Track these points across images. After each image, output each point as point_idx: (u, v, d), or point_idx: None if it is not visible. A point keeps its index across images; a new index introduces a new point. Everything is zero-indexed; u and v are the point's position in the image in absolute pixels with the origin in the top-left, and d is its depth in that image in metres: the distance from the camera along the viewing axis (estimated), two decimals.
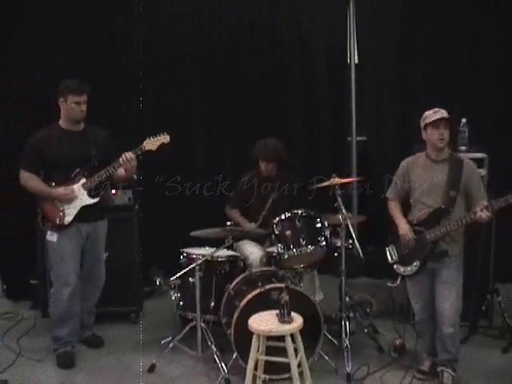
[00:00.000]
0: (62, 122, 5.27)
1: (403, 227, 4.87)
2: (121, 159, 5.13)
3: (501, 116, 6.90)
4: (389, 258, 5.00)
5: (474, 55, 6.95)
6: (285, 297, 4.23)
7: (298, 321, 4.26)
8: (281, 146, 5.95)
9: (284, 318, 4.24)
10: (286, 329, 4.18)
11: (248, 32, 7.13)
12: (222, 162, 7.29)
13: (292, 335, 4.22)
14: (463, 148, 5.81)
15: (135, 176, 5.75)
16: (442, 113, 4.73)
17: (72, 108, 5.16)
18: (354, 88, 7.02)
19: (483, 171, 5.60)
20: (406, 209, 4.98)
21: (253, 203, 5.92)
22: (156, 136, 5.19)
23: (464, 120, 5.90)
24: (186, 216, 6.95)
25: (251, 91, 7.21)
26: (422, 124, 4.79)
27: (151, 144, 5.18)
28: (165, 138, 5.20)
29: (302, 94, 7.32)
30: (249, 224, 5.84)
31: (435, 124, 4.69)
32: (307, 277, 5.70)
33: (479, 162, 5.50)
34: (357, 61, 7.01)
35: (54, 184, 5.20)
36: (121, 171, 5.27)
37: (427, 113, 4.79)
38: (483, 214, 4.47)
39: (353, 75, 7.01)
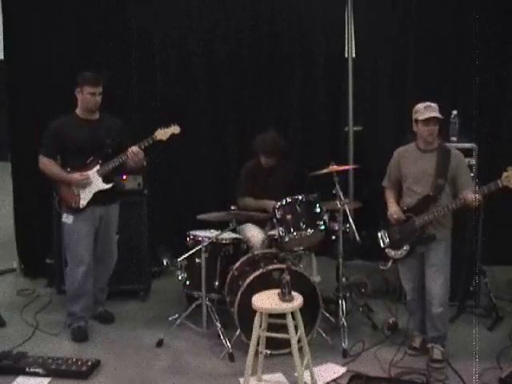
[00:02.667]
0: (78, 111, 5.31)
1: (392, 209, 4.93)
2: (127, 153, 5.17)
3: (489, 107, 6.91)
4: (380, 242, 5.06)
5: (464, 47, 6.93)
6: (286, 277, 4.26)
7: (298, 300, 4.30)
8: (279, 139, 5.96)
9: (285, 297, 4.27)
10: (287, 307, 4.22)
11: (248, 25, 7.09)
12: (227, 150, 7.29)
13: (292, 313, 4.25)
14: (453, 138, 5.82)
15: (145, 163, 5.77)
16: (433, 108, 4.75)
17: (87, 98, 5.19)
18: (351, 80, 7.01)
19: (472, 160, 5.62)
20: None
21: (255, 192, 5.92)
22: (167, 127, 5.21)
23: (455, 112, 5.91)
24: (193, 200, 6.97)
25: (252, 83, 7.19)
26: (414, 117, 4.82)
27: (162, 134, 5.22)
28: (175, 129, 5.24)
29: (301, 85, 7.28)
30: (269, 202, 5.72)
31: (426, 121, 4.73)
32: (306, 259, 5.74)
33: (468, 152, 5.53)
34: (354, 54, 6.99)
35: (69, 169, 5.24)
36: (130, 162, 5.29)
37: (418, 107, 4.81)
38: (471, 197, 4.50)
39: (350, 68, 6.99)
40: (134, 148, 5.16)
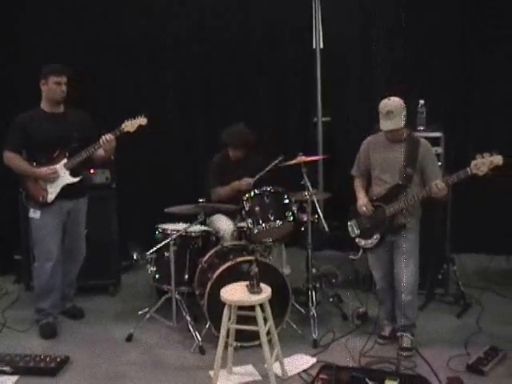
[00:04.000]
0: (43, 105, 5.23)
1: (361, 200, 4.93)
2: (101, 140, 5.12)
3: (456, 96, 6.96)
4: (350, 232, 5.05)
5: (432, 38, 6.98)
6: (254, 269, 4.24)
7: (266, 291, 4.28)
8: (248, 131, 5.92)
9: (254, 289, 4.25)
10: (255, 299, 4.20)
11: (217, 18, 7.07)
12: (195, 142, 7.26)
13: (261, 305, 4.23)
14: (421, 128, 5.85)
15: (113, 156, 5.73)
16: (393, 114, 4.62)
17: (53, 88, 5.13)
18: (319, 71, 7.04)
19: (440, 149, 5.65)
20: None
21: (224, 184, 5.88)
22: (134, 118, 5.17)
23: (422, 101, 5.93)
24: (162, 194, 6.90)
25: (220, 75, 7.18)
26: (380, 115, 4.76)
27: (130, 126, 5.17)
28: (142, 121, 5.19)
29: (270, 77, 7.32)
30: (239, 181, 5.75)
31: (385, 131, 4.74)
32: (276, 250, 5.73)
33: (436, 141, 5.55)
34: (322, 45, 6.98)
35: (36, 164, 5.16)
36: (100, 152, 5.25)
37: (381, 107, 4.70)
38: (440, 186, 4.50)
39: (318, 59, 7.02)
40: (108, 136, 5.11)
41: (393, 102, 4.67)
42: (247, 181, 5.66)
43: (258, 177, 5.44)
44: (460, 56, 6.96)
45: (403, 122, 4.68)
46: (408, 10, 6.92)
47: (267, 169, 5.53)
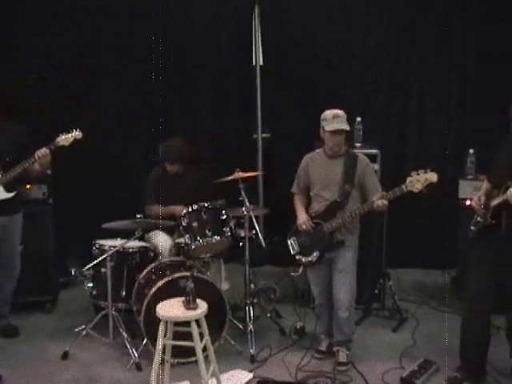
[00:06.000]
0: None
1: (301, 218, 4.95)
2: (35, 155, 5.05)
3: (393, 114, 7.11)
4: (291, 249, 5.07)
5: (369, 57, 7.14)
6: (190, 284, 4.22)
7: (202, 307, 4.26)
8: (185, 146, 5.91)
9: (189, 305, 4.22)
10: (191, 315, 4.17)
11: (158, 36, 7.04)
12: (133, 157, 7.22)
13: (197, 321, 4.21)
14: (358, 144, 5.94)
15: (49, 171, 5.65)
16: (340, 118, 4.75)
17: None
18: (259, 88, 7.05)
19: (376, 166, 5.73)
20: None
21: (162, 199, 5.83)
22: (69, 132, 5.11)
23: (359, 119, 6.03)
24: (100, 209, 6.79)
25: (161, 91, 7.13)
26: (321, 124, 4.83)
27: (64, 140, 5.12)
28: (77, 135, 5.15)
29: (210, 93, 7.34)
30: (175, 207, 5.69)
31: (332, 132, 4.76)
32: (214, 266, 5.71)
33: (372, 158, 5.62)
34: (262, 62, 7.02)
35: None
36: (36, 166, 5.18)
37: (326, 114, 4.81)
38: (380, 203, 4.58)
39: (258, 75, 7.03)
40: (43, 150, 5.05)
41: (338, 110, 4.78)
42: (183, 209, 5.54)
43: (193, 208, 5.35)
44: (397, 74, 7.11)
45: (348, 127, 4.76)
46: (349, 26, 7.08)
47: (206, 205, 5.43)
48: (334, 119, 4.74)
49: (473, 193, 5.45)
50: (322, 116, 4.85)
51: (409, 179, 4.46)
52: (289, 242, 5.08)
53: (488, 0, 6.80)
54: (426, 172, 4.44)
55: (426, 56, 7.06)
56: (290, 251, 5.07)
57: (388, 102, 7.15)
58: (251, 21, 7.00)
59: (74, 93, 6.97)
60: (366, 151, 5.55)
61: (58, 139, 5.09)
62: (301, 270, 5.07)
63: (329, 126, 4.74)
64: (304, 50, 7.18)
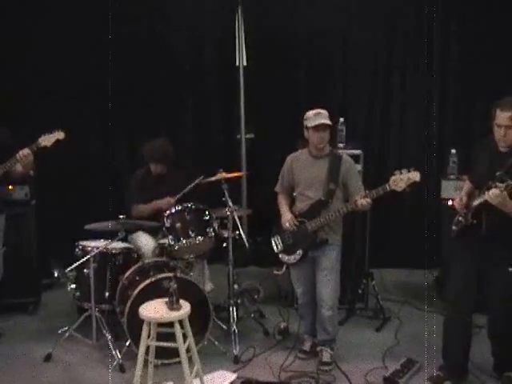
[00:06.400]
0: None
1: (285, 216, 4.97)
2: (17, 155, 5.00)
3: (376, 115, 7.14)
4: (274, 247, 5.08)
5: (352, 59, 7.17)
6: (173, 285, 4.21)
7: (185, 308, 4.25)
8: (168, 146, 5.89)
9: (173, 306, 4.21)
10: (174, 316, 4.16)
11: (141, 34, 7.04)
12: (117, 158, 7.21)
13: (181, 321, 4.20)
14: (341, 145, 5.95)
15: (32, 172, 5.61)
16: (323, 115, 4.82)
17: None
18: (242, 89, 7.07)
19: (359, 166, 5.75)
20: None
21: (147, 200, 5.83)
22: (51, 133, 5.08)
23: (342, 119, 6.06)
24: (84, 210, 6.77)
25: (145, 91, 7.14)
26: (304, 124, 4.87)
27: (46, 140, 5.08)
28: (59, 135, 5.11)
29: (194, 94, 7.34)
30: (161, 200, 5.70)
31: (316, 128, 4.79)
32: (197, 267, 5.71)
33: (355, 158, 5.63)
34: (245, 63, 7.03)
35: None
36: (18, 167, 5.14)
37: (309, 114, 4.86)
38: (364, 201, 4.60)
39: (241, 76, 7.05)
40: (25, 150, 5.00)
41: (320, 109, 4.83)
42: (169, 200, 5.60)
43: (179, 196, 5.40)
44: (378, 76, 7.14)
45: (330, 123, 4.80)
46: (330, 29, 7.11)
47: (188, 188, 5.51)
48: (316, 116, 4.80)
49: (455, 193, 5.51)
50: (305, 116, 4.89)
51: (392, 178, 4.49)
52: (272, 241, 5.09)
53: (470, 1, 6.86)
54: (409, 171, 4.46)
55: (407, 57, 7.10)
56: (273, 250, 5.08)
57: (371, 103, 7.19)
58: (234, 21, 7.00)
59: (57, 93, 6.93)
60: (348, 152, 5.55)
61: (40, 140, 5.06)
62: (284, 268, 5.08)
63: (311, 123, 4.79)
64: (287, 51, 7.20)
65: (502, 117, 4.10)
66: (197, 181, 5.55)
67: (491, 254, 4.22)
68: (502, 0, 6.75)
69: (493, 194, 3.90)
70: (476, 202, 4.21)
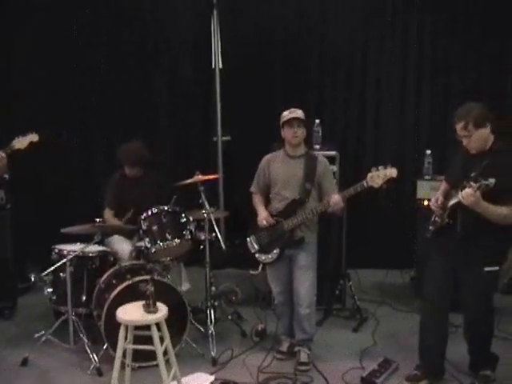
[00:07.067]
0: None
1: (262, 214, 4.99)
2: None
3: (349, 117, 7.16)
4: (250, 247, 5.08)
5: (328, 62, 7.19)
6: (150, 288, 4.20)
7: (162, 310, 4.24)
8: (143, 149, 5.87)
9: (149, 309, 4.20)
10: (151, 318, 4.15)
11: (118, 36, 7.01)
12: (93, 161, 7.17)
13: (158, 324, 4.18)
14: (317, 146, 5.97)
15: (6, 176, 5.56)
16: (297, 113, 4.87)
17: None
18: (218, 91, 7.06)
19: (335, 167, 5.77)
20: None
21: (122, 203, 5.81)
22: (25, 135, 5.05)
23: (317, 121, 6.07)
24: (60, 214, 6.74)
25: (120, 92, 7.12)
26: (281, 123, 4.92)
27: (20, 143, 5.06)
28: (33, 137, 5.09)
29: (170, 96, 7.32)
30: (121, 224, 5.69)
31: (290, 123, 4.85)
32: (175, 269, 5.70)
33: (331, 160, 5.65)
34: (221, 65, 7.02)
35: None
36: None
37: (284, 113, 4.93)
38: (336, 197, 4.63)
39: (217, 79, 7.04)
40: None
41: (295, 109, 4.91)
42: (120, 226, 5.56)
43: (153, 212, 5.30)
44: (353, 77, 7.18)
45: (303, 118, 4.86)
46: (306, 31, 7.15)
47: (166, 208, 5.42)
48: (290, 113, 4.88)
49: (431, 193, 5.55)
50: (281, 116, 4.94)
51: (369, 175, 4.55)
52: (248, 241, 5.09)
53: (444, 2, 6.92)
54: (385, 168, 4.53)
55: (382, 58, 7.13)
56: (250, 251, 5.08)
57: (347, 104, 7.21)
58: (210, 24, 6.99)
59: (32, 95, 6.89)
60: (324, 153, 5.56)
61: (14, 142, 5.03)
62: (260, 268, 5.09)
63: (286, 116, 4.87)
64: (263, 53, 7.21)
65: (457, 128, 4.19)
66: (173, 200, 5.52)
67: (466, 253, 4.25)
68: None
69: (465, 194, 3.94)
70: (452, 202, 4.24)
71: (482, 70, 6.95)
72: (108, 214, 5.84)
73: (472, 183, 3.91)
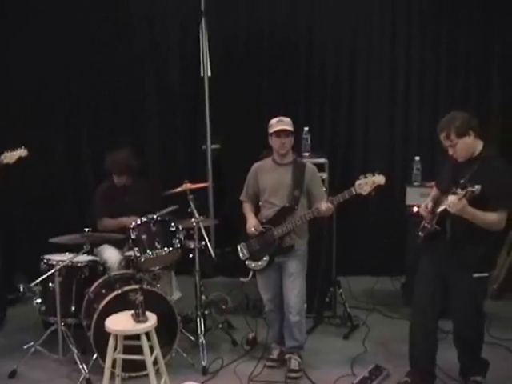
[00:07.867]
0: None
1: (251, 222, 4.99)
2: None
3: (338, 124, 7.18)
4: (240, 255, 5.09)
5: (318, 69, 7.20)
6: (139, 297, 4.19)
7: (152, 320, 4.23)
8: (132, 157, 5.85)
9: (139, 318, 4.19)
10: (140, 328, 4.14)
11: (106, 43, 7.00)
12: (82, 170, 7.15)
13: (147, 334, 4.17)
14: (306, 154, 5.98)
15: None
16: (285, 122, 4.89)
17: None
18: (207, 99, 7.07)
19: (324, 174, 5.78)
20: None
21: (113, 212, 5.78)
22: (14, 150, 5.04)
23: (306, 128, 6.08)
24: (49, 223, 6.70)
25: (109, 100, 7.11)
26: (269, 132, 4.94)
27: (9, 158, 5.06)
28: (22, 152, 5.10)
29: (159, 105, 7.30)
30: (127, 218, 5.60)
31: (277, 133, 4.86)
32: (165, 278, 5.67)
33: (320, 167, 5.65)
34: (210, 74, 7.03)
35: None
36: None
37: (272, 121, 4.95)
38: (326, 205, 4.65)
39: (206, 87, 7.05)
40: None
41: (283, 117, 4.93)
42: (135, 220, 5.48)
43: (142, 221, 5.31)
44: (342, 84, 7.19)
45: (292, 129, 4.87)
46: (294, 39, 7.15)
47: (160, 214, 5.41)
48: (278, 123, 4.90)
49: (420, 199, 5.55)
50: (269, 124, 4.96)
51: (357, 182, 4.58)
52: (239, 248, 5.09)
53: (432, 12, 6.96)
54: (373, 175, 4.56)
55: (371, 64, 7.15)
56: (240, 259, 5.08)
57: (335, 112, 7.22)
58: (198, 33, 7.00)
59: (18, 105, 6.85)
60: (314, 160, 5.59)
61: (3, 157, 5.04)
62: (250, 275, 5.10)
63: (273, 129, 4.89)
64: (251, 61, 7.20)
65: (440, 138, 4.22)
66: (169, 209, 5.53)
67: (456, 259, 4.26)
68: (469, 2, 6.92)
69: (451, 202, 3.95)
70: (440, 209, 4.25)
71: (469, 79, 6.98)
72: (106, 221, 5.76)
73: (459, 190, 3.92)
